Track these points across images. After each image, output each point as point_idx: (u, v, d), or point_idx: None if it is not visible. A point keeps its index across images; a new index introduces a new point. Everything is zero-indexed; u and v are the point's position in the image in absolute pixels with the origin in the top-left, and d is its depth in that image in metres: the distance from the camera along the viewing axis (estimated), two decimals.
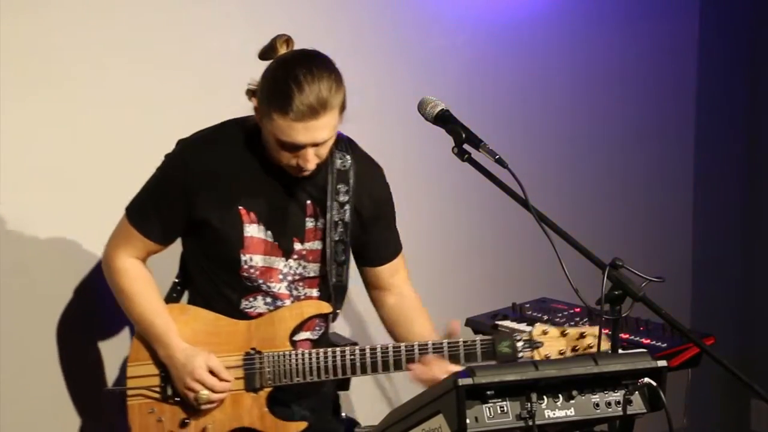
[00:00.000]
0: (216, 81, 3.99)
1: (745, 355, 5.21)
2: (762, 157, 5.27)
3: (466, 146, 3.20)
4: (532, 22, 4.75)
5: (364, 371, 3.30)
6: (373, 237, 3.46)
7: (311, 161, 3.18)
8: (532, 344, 3.28)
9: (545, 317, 3.29)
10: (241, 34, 4.01)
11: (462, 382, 2.58)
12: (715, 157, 5.26)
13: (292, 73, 3.11)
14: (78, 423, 3.90)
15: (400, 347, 3.29)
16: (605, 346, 3.28)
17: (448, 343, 3.28)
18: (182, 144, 3.35)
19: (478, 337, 3.29)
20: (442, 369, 3.23)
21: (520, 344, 3.28)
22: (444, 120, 3.25)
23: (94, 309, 3.87)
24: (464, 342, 3.28)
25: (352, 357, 3.29)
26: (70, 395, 3.88)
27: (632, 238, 4.96)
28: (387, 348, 3.29)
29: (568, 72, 4.86)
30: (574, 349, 3.29)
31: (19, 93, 3.78)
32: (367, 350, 3.29)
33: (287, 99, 3.08)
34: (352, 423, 3.59)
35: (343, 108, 3.19)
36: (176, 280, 3.48)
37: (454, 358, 3.27)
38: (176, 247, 3.45)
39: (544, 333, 3.29)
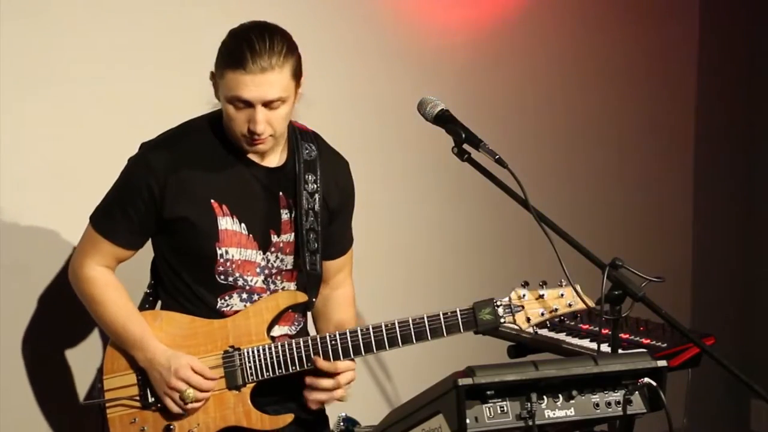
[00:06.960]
0: None
1: (745, 355, 5.21)
2: (762, 157, 5.26)
3: (465, 146, 3.20)
4: (531, 22, 4.75)
5: (346, 355, 3.28)
6: (332, 230, 3.45)
7: (261, 123, 3.18)
8: (513, 309, 3.30)
9: (522, 283, 3.33)
10: None
11: (462, 382, 2.58)
12: (715, 157, 5.25)
13: (245, 36, 3.22)
14: None
15: (380, 327, 3.27)
16: (584, 305, 3.29)
17: (429, 316, 3.27)
18: (145, 146, 3.34)
19: (458, 308, 3.29)
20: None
21: (500, 310, 3.29)
22: (444, 120, 3.25)
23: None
24: (444, 314, 3.27)
25: (333, 342, 3.28)
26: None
27: (632, 238, 4.96)
28: (367, 329, 3.27)
29: (567, 72, 4.85)
30: (554, 311, 3.30)
31: (19, 93, 3.78)
32: (348, 334, 3.28)
33: (239, 55, 3.17)
34: (352, 423, 3.57)
35: (297, 75, 3.22)
36: (148, 290, 3.44)
37: (435, 332, 3.26)
38: (146, 257, 3.41)
39: (522, 297, 3.30)
